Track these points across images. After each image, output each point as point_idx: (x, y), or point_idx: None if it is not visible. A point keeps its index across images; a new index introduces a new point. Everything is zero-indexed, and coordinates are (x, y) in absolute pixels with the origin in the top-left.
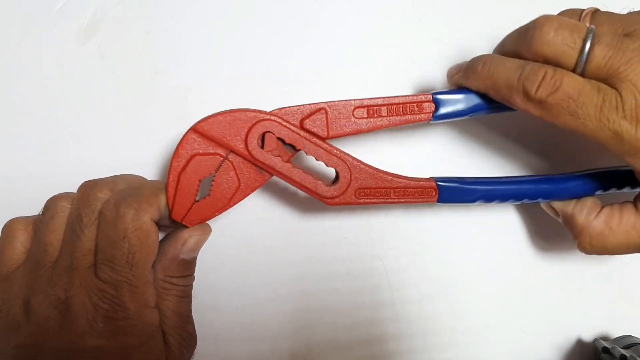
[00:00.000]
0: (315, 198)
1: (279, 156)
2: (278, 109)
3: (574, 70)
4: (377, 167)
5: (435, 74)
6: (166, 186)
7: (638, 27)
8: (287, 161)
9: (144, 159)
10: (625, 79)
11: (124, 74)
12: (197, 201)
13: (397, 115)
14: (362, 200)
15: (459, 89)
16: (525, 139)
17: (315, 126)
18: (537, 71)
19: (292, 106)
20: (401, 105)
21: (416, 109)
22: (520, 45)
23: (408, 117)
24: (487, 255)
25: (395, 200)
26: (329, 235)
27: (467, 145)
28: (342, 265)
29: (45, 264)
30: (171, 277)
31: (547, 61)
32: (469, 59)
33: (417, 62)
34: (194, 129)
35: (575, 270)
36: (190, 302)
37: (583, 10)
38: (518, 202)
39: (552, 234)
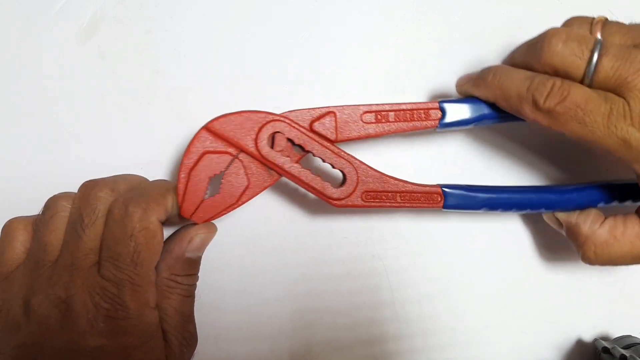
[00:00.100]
0: (322, 199)
1: (288, 157)
2: (288, 111)
3: (582, 81)
4: (383, 171)
5: (436, 74)
6: (174, 186)
7: None
8: (296, 162)
9: (144, 159)
10: (633, 88)
11: (124, 74)
12: (207, 198)
13: (404, 121)
14: (369, 203)
15: (467, 98)
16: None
17: (324, 129)
18: (546, 82)
19: (302, 109)
20: (408, 112)
21: (423, 116)
22: (529, 57)
23: (415, 123)
24: (487, 255)
25: (401, 204)
26: (329, 235)
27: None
28: (343, 266)
29: (46, 264)
30: (176, 276)
31: (556, 72)
32: (468, 59)
33: (417, 62)
34: (206, 127)
35: (575, 271)
36: (193, 301)
37: (593, 19)
38: (521, 212)
39: (552, 235)
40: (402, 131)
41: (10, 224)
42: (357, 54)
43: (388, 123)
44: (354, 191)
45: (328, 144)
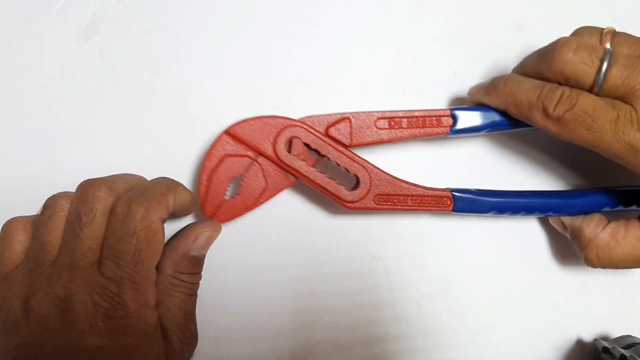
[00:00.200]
0: (337, 202)
1: (304, 160)
2: (305, 117)
3: (591, 89)
4: (396, 175)
5: (436, 74)
6: (176, 185)
7: None
8: (312, 166)
9: (144, 159)
10: None
11: (124, 74)
12: (227, 199)
13: (416, 127)
14: (381, 206)
15: (478, 106)
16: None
17: (340, 134)
18: (555, 90)
19: (318, 115)
20: (421, 119)
21: (435, 122)
22: (540, 65)
23: (427, 130)
24: (487, 255)
25: (412, 207)
26: (329, 235)
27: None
28: (342, 266)
29: (45, 263)
30: (180, 274)
31: (567, 80)
32: (468, 59)
33: (417, 62)
34: (226, 132)
35: (575, 271)
36: (195, 300)
37: (602, 29)
38: (529, 216)
39: (552, 235)
40: (415, 137)
41: (9, 224)
42: (357, 54)
43: (401, 129)
44: (367, 194)
45: (343, 149)
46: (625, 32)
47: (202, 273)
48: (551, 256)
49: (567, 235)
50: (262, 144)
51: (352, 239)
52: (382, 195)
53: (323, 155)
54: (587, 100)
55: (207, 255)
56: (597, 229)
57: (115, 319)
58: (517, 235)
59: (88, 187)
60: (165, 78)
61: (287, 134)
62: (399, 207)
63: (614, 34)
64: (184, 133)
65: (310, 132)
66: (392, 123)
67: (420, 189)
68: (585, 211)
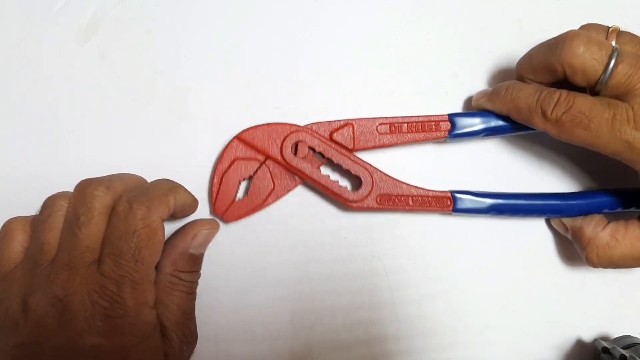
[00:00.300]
0: (340, 201)
1: (309, 163)
2: (310, 123)
3: (596, 84)
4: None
5: (435, 74)
6: (177, 186)
7: None
8: (317, 168)
9: (144, 159)
10: (639, 95)
11: (124, 74)
12: (237, 200)
13: (416, 132)
14: (383, 206)
15: (474, 112)
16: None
17: (343, 139)
18: (553, 94)
19: (323, 121)
20: (420, 124)
21: (434, 127)
22: (549, 56)
23: (426, 134)
24: (486, 255)
25: (413, 207)
26: (329, 235)
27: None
28: (342, 266)
29: (43, 263)
30: (179, 272)
31: (574, 72)
32: (468, 59)
33: (417, 62)
34: (237, 137)
35: (575, 270)
36: (194, 299)
37: (608, 27)
38: (527, 217)
39: (552, 235)
40: (415, 141)
41: (8, 224)
42: (357, 55)
43: (401, 134)
44: (369, 194)
45: (346, 152)
46: (629, 31)
47: (203, 273)
48: (551, 256)
49: (569, 236)
50: (270, 148)
51: (352, 239)
52: (384, 195)
53: (327, 158)
54: (583, 101)
55: (207, 255)
56: (597, 229)
57: (113, 318)
58: (517, 236)
59: (86, 186)
60: (165, 78)
61: (293, 138)
62: (400, 207)
63: (619, 33)
64: (184, 133)
65: (315, 136)
66: (393, 128)
67: (421, 190)
68: (584, 213)
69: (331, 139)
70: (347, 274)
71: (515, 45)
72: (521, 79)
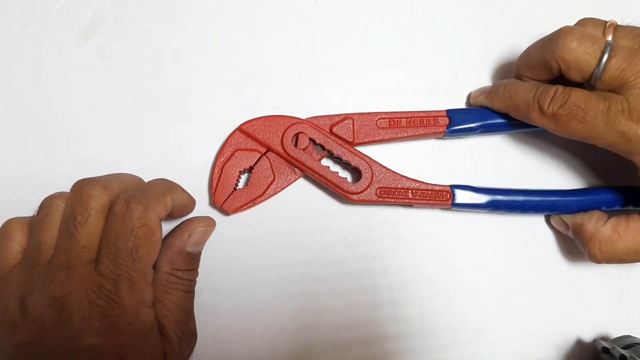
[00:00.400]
0: (340, 194)
1: (310, 155)
2: (311, 117)
3: (590, 78)
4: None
5: (435, 74)
6: (174, 186)
7: None
8: (317, 160)
9: (144, 159)
10: (634, 87)
11: (124, 74)
12: (236, 190)
13: (415, 127)
14: (382, 199)
15: (471, 108)
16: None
17: (343, 132)
18: (549, 89)
19: (323, 115)
20: (419, 119)
21: (432, 122)
22: (544, 52)
23: (425, 129)
24: (486, 255)
25: (412, 200)
26: (329, 235)
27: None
28: (342, 266)
29: (41, 263)
30: (177, 271)
31: (568, 67)
32: (468, 59)
33: (417, 62)
34: (239, 129)
35: (575, 271)
36: (193, 298)
37: (605, 22)
38: (525, 213)
39: (551, 235)
40: (413, 136)
41: (7, 225)
42: (357, 54)
43: (400, 128)
44: (369, 187)
45: (346, 145)
46: (628, 24)
47: (202, 273)
48: (551, 256)
49: (569, 234)
50: (271, 140)
51: (352, 239)
52: (383, 188)
53: (327, 150)
54: (579, 95)
55: (207, 255)
56: (598, 224)
57: (111, 317)
58: (517, 236)
59: (82, 186)
60: (165, 78)
61: (294, 130)
62: (400, 200)
63: (617, 27)
64: (184, 133)
65: (315, 129)
66: (392, 122)
67: (420, 184)
68: (582, 209)
69: (331, 132)
70: (347, 273)
71: (515, 45)
72: (519, 77)
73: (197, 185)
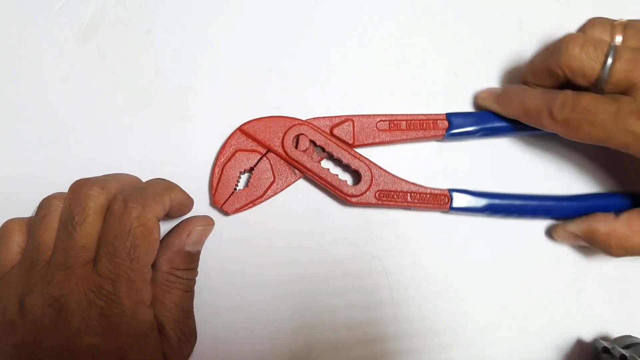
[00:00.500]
0: (340, 196)
1: (309, 156)
2: (312, 118)
3: (597, 82)
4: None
5: (435, 74)
6: (172, 185)
7: None
8: (317, 162)
9: (144, 159)
10: None
11: (124, 74)
12: (237, 191)
13: (414, 130)
14: (381, 202)
15: (471, 112)
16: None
17: (343, 134)
18: (558, 94)
19: (324, 116)
20: (418, 122)
21: (432, 125)
22: (549, 60)
23: (424, 132)
24: (486, 255)
25: (411, 204)
26: (329, 235)
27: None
28: (342, 266)
29: (39, 263)
30: (176, 270)
31: (574, 74)
32: (468, 59)
33: (417, 62)
34: (240, 129)
35: (575, 271)
36: (192, 297)
37: (614, 21)
38: (522, 218)
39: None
40: (413, 139)
41: (6, 225)
42: (357, 54)
43: (400, 131)
44: (368, 190)
45: (346, 147)
46: (638, 20)
47: (202, 273)
48: (551, 256)
49: (580, 242)
50: (271, 140)
51: (352, 239)
52: (382, 191)
53: (327, 152)
54: (587, 99)
55: (207, 255)
56: (610, 223)
57: (109, 317)
58: (517, 236)
59: (80, 186)
60: (165, 78)
61: (294, 131)
62: (399, 203)
63: (626, 25)
64: (184, 133)
65: (316, 130)
66: (392, 125)
67: (419, 187)
68: (578, 215)
69: (332, 134)
70: (347, 273)
71: (515, 45)
72: (526, 84)
73: (197, 186)
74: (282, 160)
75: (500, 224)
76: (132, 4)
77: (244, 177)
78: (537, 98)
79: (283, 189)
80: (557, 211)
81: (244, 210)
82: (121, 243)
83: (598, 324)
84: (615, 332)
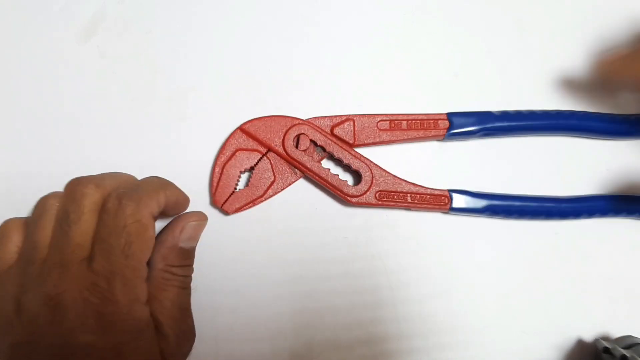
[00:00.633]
0: (340, 196)
1: (310, 156)
2: (312, 117)
3: None
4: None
5: (435, 75)
6: (167, 183)
7: None
8: (317, 162)
9: (144, 159)
10: None
11: (124, 74)
12: (237, 190)
13: (415, 129)
14: (381, 202)
15: (472, 112)
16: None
17: (344, 134)
18: None
19: (324, 116)
20: (419, 121)
21: (432, 125)
22: None
23: (425, 132)
24: (487, 255)
25: (411, 204)
26: (329, 235)
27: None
28: (342, 265)
29: (36, 262)
30: (171, 267)
31: None
32: (468, 59)
33: (417, 62)
34: (240, 128)
35: (575, 271)
36: (189, 294)
37: None
38: (522, 219)
39: (551, 234)
40: (414, 139)
41: (4, 225)
42: (357, 55)
43: (401, 131)
44: (368, 190)
45: (347, 147)
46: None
47: (203, 273)
48: (551, 256)
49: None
50: (272, 140)
51: (352, 239)
52: (383, 192)
53: (328, 152)
54: None
55: (208, 255)
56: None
57: (105, 315)
58: (517, 236)
59: (75, 184)
60: (165, 78)
61: (295, 131)
62: (399, 204)
63: None
64: (184, 133)
65: (316, 130)
66: (393, 125)
67: (419, 188)
68: (578, 216)
69: (332, 134)
70: (348, 273)
71: (515, 45)
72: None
73: (197, 185)
74: (283, 160)
75: (500, 224)
76: (132, 4)
77: (244, 177)
78: None
79: (283, 189)
80: (557, 212)
81: (244, 209)
82: (115, 240)
83: (598, 324)
84: (616, 332)
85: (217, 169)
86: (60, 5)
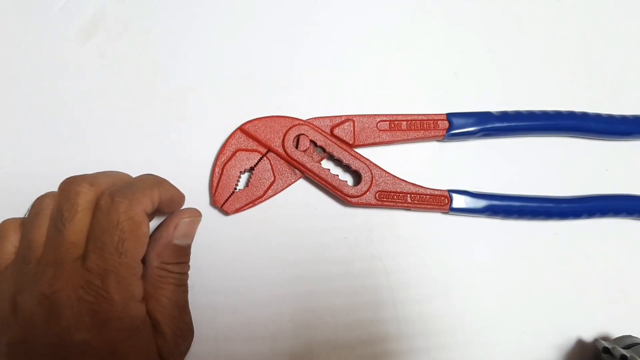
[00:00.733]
0: (340, 196)
1: (310, 156)
2: (312, 118)
3: None
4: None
5: (435, 75)
6: (160, 180)
7: None
8: (317, 162)
9: (144, 159)
10: None
11: (124, 74)
12: (237, 191)
13: (415, 130)
14: (381, 202)
15: (473, 112)
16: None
17: (344, 134)
18: None
19: (324, 116)
20: (419, 122)
21: (432, 126)
22: None
23: (425, 132)
24: (487, 255)
25: (411, 205)
26: (329, 235)
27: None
28: (342, 265)
29: (31, 261)
30: (166, 264)
31: None
32: (468, 59)
33: (417, 62)
34: (240, 129)
35: (575, 271)
36: (186, 292)
37: None
38: (522, 219)
39: (551, 235)
40: (413, 139)
41: (2, 225)
42: (357, 55)
43: (401, 131)
44: (368, 190)
45: (347, 147)
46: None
47: (203, 273)
48: (551, 256)
49: None
50: (272, 140)
51: (352, 239)
52: (382, 192)
53: (328, 153)
54: None
55: (208, 255)
56: None
57: (100, 313)
58: (517, 236)
59: (69, 183)
60: (165, 78)
61: (295, 131)
62: (399, 204)
63: None
64: (184, 133)
65: (316, 130)
66: (393, 125)
67: (419, 188)
68: (578, 216)
69: (332, 134)
70: (348, 273)
71: (515, 45)
72: None
73: (197, 185)
74: (283, 160)
75: (500, 224)
76: (132, 4)
77: (244, 177)
78: None
79: (283, 189)
80: (557, 212)
81: (244, 210)
82: (109, 237)
83: (598, 324)
84: (616, 332)
85: (217, 169)
86: (60, 5)
